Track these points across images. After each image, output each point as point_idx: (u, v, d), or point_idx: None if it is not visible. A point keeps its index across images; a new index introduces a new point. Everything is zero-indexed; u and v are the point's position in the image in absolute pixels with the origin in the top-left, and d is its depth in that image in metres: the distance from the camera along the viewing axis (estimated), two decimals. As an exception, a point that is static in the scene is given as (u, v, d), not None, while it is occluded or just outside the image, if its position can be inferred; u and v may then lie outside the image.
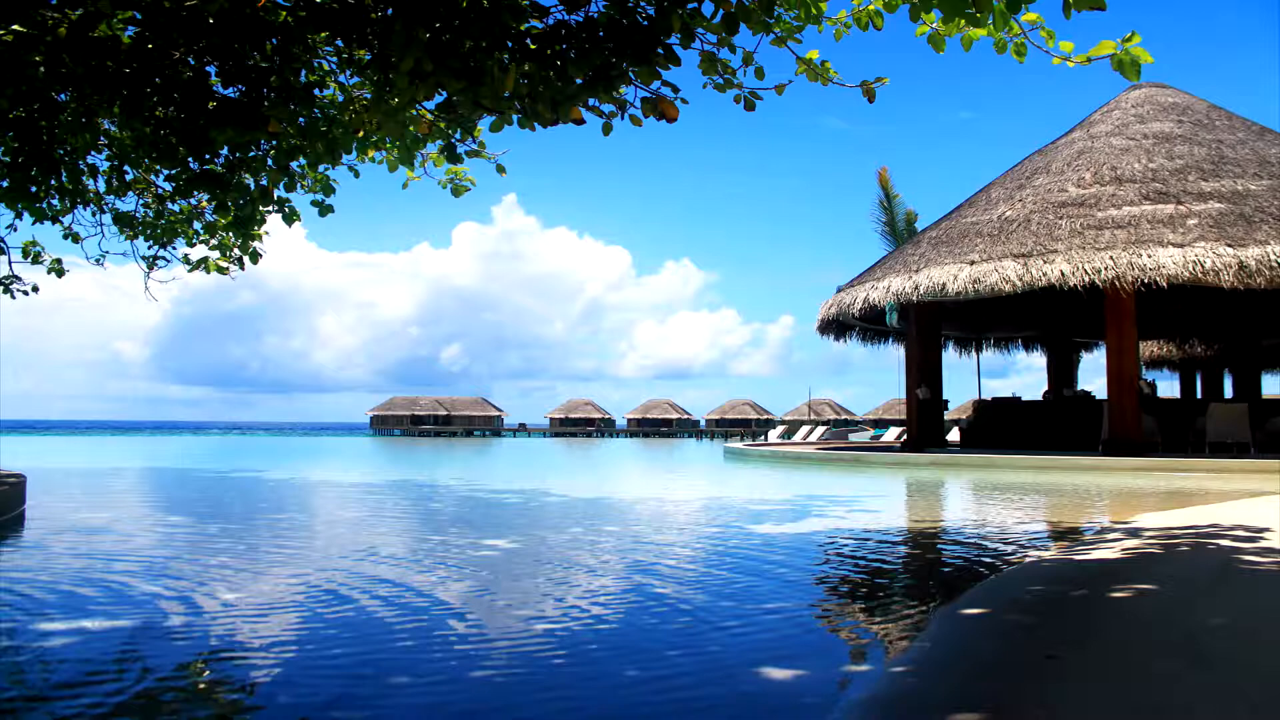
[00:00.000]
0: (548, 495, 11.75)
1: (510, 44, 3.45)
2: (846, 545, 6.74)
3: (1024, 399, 23.48)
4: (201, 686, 3.24)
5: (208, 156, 4.50)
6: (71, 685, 3.20)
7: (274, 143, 4.66)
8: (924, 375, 20.12)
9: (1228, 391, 28.24)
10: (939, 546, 6.90)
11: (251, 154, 4.79)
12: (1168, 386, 30.66)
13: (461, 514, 9.52)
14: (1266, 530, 6.12)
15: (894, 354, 26.57)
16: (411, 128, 4.60)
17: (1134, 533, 6.32)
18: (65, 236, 6.13)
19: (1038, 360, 27.91)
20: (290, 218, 5.23)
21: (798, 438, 35.40)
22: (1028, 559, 5.77)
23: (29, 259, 6.46)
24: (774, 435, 38.94)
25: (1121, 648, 3.22)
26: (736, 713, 2.92)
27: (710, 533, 7.63)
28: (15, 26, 3.64)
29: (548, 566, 5.78)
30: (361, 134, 4.87)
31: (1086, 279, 16.12)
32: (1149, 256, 15.90)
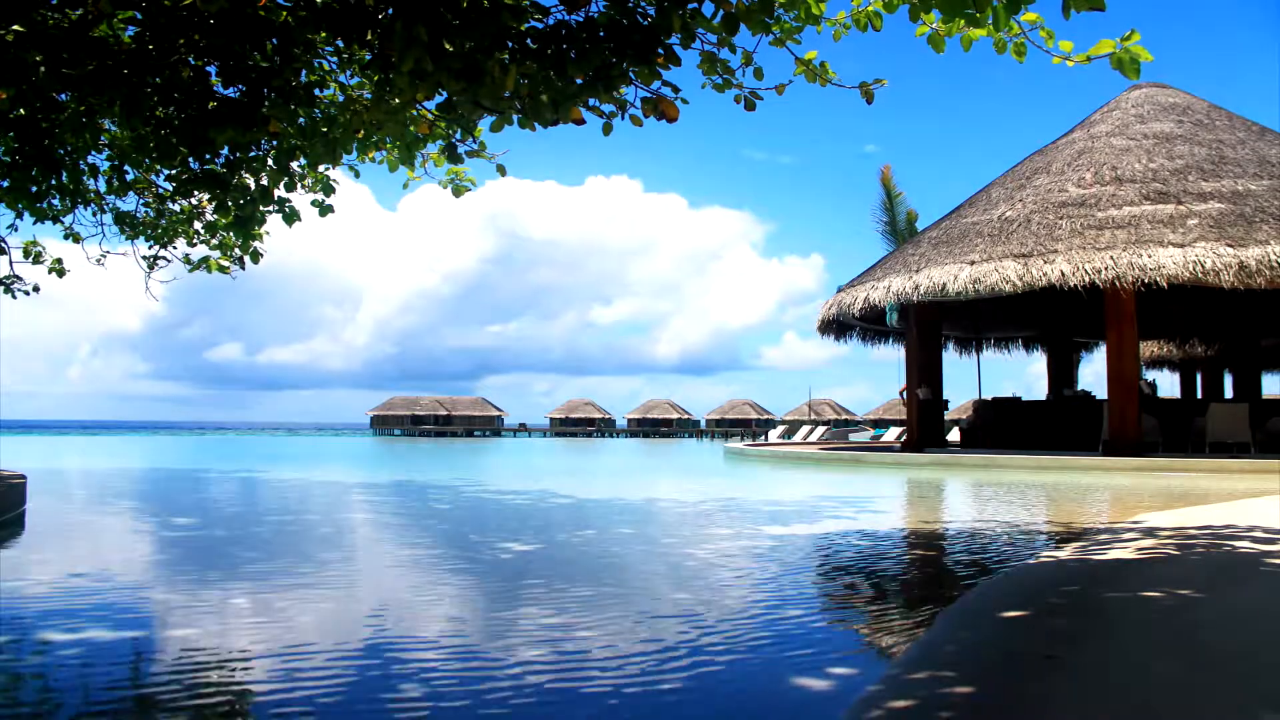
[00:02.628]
0: (585, 499, 11.76)
1: (510, 44, 3.45)
2: (850, 545, 6.74)
3: (1024, 399, 23.49)
4: (207, 706, 3.20)
5: (208, 156, 4.51)
6: (68, 697, 3.20)
7: (274, 143, 4.67)
8: (924, 375, 20.11)
9: (1228, 391, 28.23)
10: (941, 547, 6.90)
11: (251, 154, 4.79)
12: (1168, 386, 30.66)
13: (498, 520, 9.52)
14: None
15: (894, 354, 26.57)
16: (412, 128, 4.61)
17: (1140, 533, 6.32)
18: (66, 236, 6.14)
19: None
20: (290, 218, 5.23)
21: (798, 438, 35.40)
22: (1029, 559, 5.78)
23: (30, 259, 6.47)
24: (774, 435, 38.95)
25: (1123, 648, 3.22)
26: (744, 712, 2.92)
27: (713, 534, 7.64)
28: (15, 26, 3.64)
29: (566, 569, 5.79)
30: (361, 134, 4.87)
31: (1087, 279, 16.11)
32: (1149, 256, 15.90)
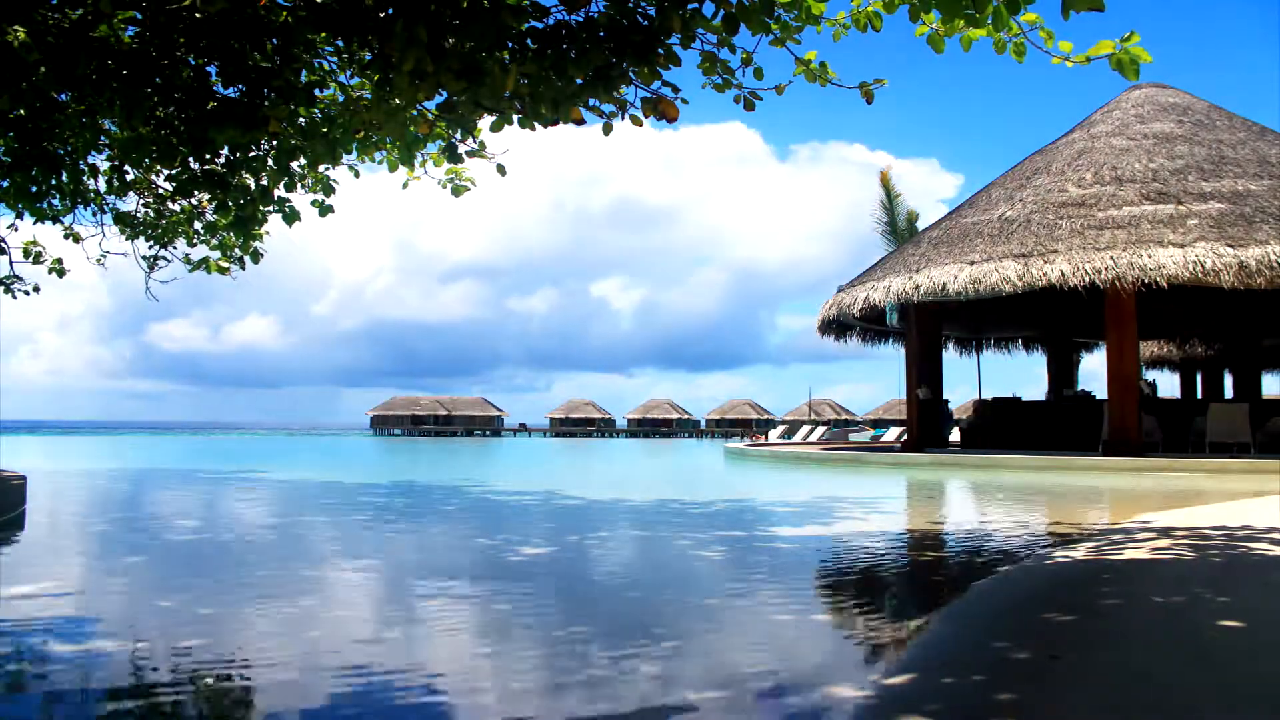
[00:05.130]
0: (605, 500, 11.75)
1: (510, 44, 3.45)
2: (852, 545, 6.74)
3: (1024, 399, 23.47)
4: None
5: (208, 156, 4.50)
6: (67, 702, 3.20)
7: (274, 143, 4.66)
8: (924, 375, 20.10)
9: (1228, 391, 28.20)
10: (942, 547, 6.91)
11: (251, 154, 4.79)
12: (1168, 386, 30.63)
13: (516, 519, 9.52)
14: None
15: (894, 354, 26.52)
16: (412, 128, 4.60)
17: (1153, 533, 6.31)
18: (66, 236, 6.14)
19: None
20: (290, 218, 5.22)
21: (798, 438, 35.40)
22: (1030, 559, 5.77)
23: (30, 259, 6.47)
24: (774, 435, 38.97)
25: (1125, 648, 3.22)
26: (743, 713, 2.92)
27: (708, 535, 7.63)
28: (16, 27, 3.64)
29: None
30: (361, 134, 4.87)
31: (1087, 279, 16.10)
32: (1149, 256, 15.89)
